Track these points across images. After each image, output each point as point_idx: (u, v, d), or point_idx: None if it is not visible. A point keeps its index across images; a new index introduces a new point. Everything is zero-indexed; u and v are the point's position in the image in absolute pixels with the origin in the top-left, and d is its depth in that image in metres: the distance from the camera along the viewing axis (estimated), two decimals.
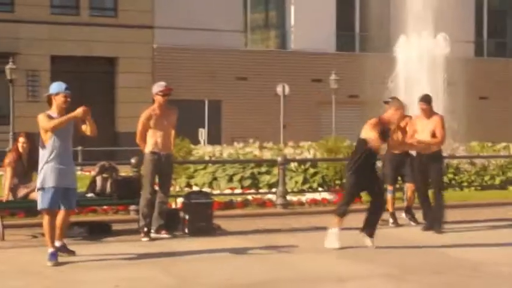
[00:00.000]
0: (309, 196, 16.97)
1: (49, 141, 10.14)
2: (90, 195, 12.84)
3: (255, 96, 37.89)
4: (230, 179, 18.70)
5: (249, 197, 16.39)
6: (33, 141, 12.00)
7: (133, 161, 14.44)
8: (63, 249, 10.43)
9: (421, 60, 25.11)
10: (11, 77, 32.38)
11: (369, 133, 11.24)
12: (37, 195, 10.37)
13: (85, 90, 32.45)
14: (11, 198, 12.17)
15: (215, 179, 18.92)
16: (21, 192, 12.19)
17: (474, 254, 10.90)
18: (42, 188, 10.15)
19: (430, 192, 13.15)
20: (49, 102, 10.41)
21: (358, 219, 11.60)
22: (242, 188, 18.15)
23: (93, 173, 13.40)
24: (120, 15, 36.56)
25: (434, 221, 12.99)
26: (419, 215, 13.62)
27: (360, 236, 11.41)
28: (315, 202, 16.49)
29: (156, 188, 12.35)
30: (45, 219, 10.22)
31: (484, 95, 41.71)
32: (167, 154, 12.23)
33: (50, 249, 10.09)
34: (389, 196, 13.69)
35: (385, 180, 13.60)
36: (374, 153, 11.46)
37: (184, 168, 18.97)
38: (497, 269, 9.77)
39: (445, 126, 13.00)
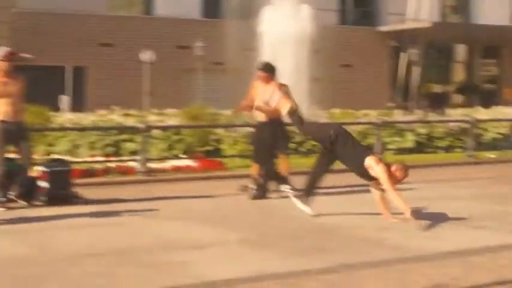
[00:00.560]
0: (173, 163, 16.88)
1: None
2: None
3: (120, 63, 37.29)
4: (92, 147, 18.37)
5: (111, 165, 16.16)
6: None
7: None
8: None
9: (285, 28, 25.25)
10: None
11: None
12: None
13: None
14: None
15: (76, 146, 18.54)
16: None
17: (331, 219, 11.06)
18: None
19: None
20: None
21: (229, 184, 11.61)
22: (105, 155, 17.86)
23: None
24: None
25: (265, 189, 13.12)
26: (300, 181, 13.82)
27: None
28: (178, 169, 16.42)
29: (15, 156, 11.98)
30: None
31: (347, 63, 42.39)
32: (18, 122, 11.76)
33: None
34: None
35: None
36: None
37: (42, 136, 18.47)
38: (352, 232, 9.95)
39: (289, 94, 12.93)
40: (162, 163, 16.89)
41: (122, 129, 18.97)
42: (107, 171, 15.72)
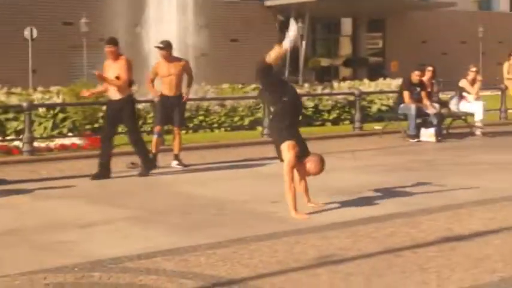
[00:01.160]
0: (58, 142, 16.60)
1: None
2: None
3: (4, 41, 36.39)
4: None
5: None
6: None
7: None
8: None
9: (170, 3, 25.11)
10: None
11: None
12: None
13: None
14: None
15: None
16: None
17: (222, 193, 11.08)
18: None
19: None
20: None
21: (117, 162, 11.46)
22: None
23: None
24: None
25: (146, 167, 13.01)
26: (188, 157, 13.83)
27: None
28: (64, 147, 16.15)
29: None
30: None
31: (235, 37, 42.47)
32: None
33: None
34: (154, 138, 13.73)
35: (155, 121, 14.21)
36: None
37: None
38: (242, 206, 9.98)
39: (131, 69, 12.89)
40: (48, 142, 16.58)
41: (5, 108, 18.49)
42: None
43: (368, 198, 10.39)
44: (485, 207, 9.67)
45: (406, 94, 18.23)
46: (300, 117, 10.49)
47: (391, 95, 23.08)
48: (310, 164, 9.42)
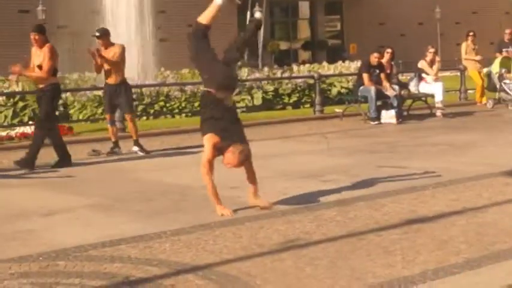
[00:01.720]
0: (19, 130, 16.49)
1: None
2: None
3: None
4: None
5: None
6: None
7: None
8: None
9: None
10: None
11: None
12: None
13: None
14: None
15: None
16: None
17: (184, 179, 11.05)
18: None
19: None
20: None
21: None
22: None
23: None
24: None
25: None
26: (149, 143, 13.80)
27: None
28: (25, 136, 16.04)
29: None
30: None
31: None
32: None
33: None
34: (108, 126, 13.76)
35: (104, 110, 14.42)
36: None
37: None
38: (204, 192, 9.95)
39: (53, 57, 12.75)
40: (9, 130, 16.46)
41: None
42: None
43: (330, 181, 10.41)
44: (448, 188, 9.72)
45: (365, 76, 18.32)
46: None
47: (350, 77, 23.19)
48: (229, 155, 8.46)
